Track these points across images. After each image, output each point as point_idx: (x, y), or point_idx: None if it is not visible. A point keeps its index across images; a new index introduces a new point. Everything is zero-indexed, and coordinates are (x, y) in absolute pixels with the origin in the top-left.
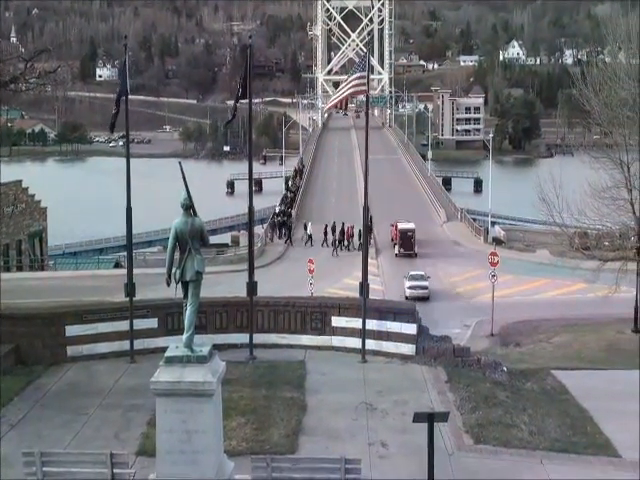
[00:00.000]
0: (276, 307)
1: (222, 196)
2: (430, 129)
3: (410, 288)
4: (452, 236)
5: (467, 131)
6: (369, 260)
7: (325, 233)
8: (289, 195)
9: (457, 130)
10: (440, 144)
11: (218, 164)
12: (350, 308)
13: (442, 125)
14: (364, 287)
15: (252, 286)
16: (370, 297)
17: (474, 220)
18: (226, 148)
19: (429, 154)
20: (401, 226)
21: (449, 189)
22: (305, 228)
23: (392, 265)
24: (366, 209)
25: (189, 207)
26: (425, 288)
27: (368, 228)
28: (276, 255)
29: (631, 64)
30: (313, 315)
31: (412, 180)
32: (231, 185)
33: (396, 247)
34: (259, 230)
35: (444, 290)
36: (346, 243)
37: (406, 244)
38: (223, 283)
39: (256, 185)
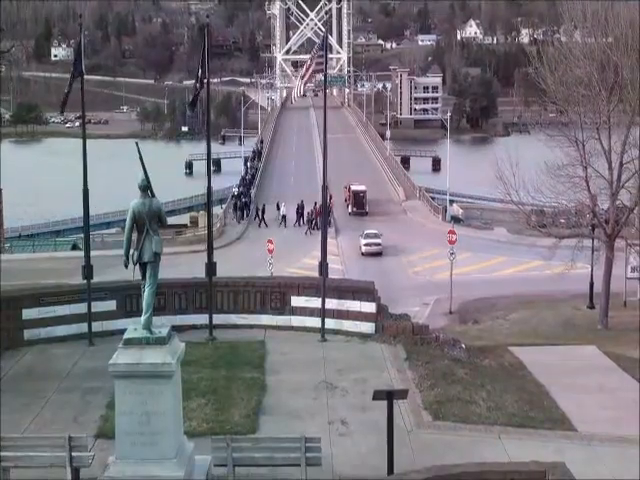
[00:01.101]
0: (235, 287)
1: (180, 177)
2: (388, 108)
3: (365, 245)
4: (410, 214)
5: (425, 110)
6: (328, 240)
7: (299, 213)
8: (247, 177)
9: (415, 109)
10: (399, 123)
11: (176, 144)
12: (309, 287)
13: (400, 104)
14: (323, 267)
15: (211, 267)
16: (329, 276)
17: (432, 199)
18: (184, 128)
19: (387, 133)
20: (354, 187)
21: (408, 168)
22: (278, 208)
23: (351, 245)
24: (325, 189)
25: (147, 188)
26: (379, 245)
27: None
28: (235, 235)
29: (586, 43)
30: (273, 295)
31: (371, 159)
32: (190, 166)
33: (349, 207)
34: (218, 211)
35: (402, 268)
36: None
37: (358, 203)
38: (182, 264)
39: (215, 165)
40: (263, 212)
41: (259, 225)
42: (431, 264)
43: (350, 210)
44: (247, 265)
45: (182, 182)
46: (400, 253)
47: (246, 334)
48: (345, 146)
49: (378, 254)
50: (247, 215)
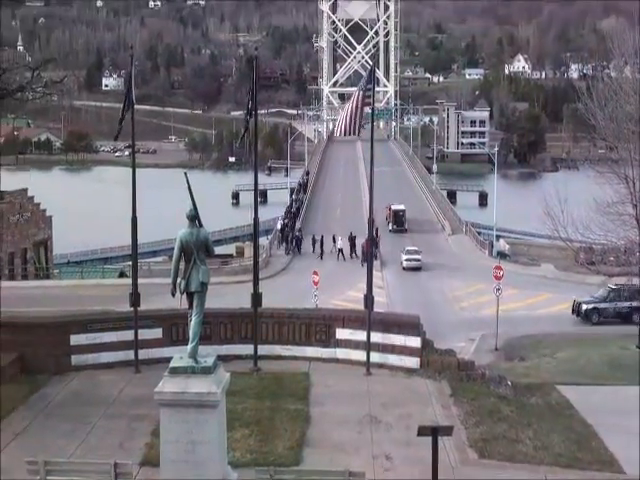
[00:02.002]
0: (280, 319)
1: (227, 207)
2: (435, 142)
3: (407, 260)
4: (456, 249)
5: (472, 144)
6: (374, 272)
7: (351, 245)
8: (292, 209)
9: (462, 143)
10: (445, 157)
11: (223, 175)
12: (354, 320)
13: (447, 138)
14: (368, 299)
15: (257, 297)
16: (375, 309)
17: (479, 233)
18: (231, 159)
19: (434, 167)
20: (394, 207)
21: (454, 202)
22: (334, 241)
23: (397, 278)
24: (371, 222)
25: (194, 218)
26: (418, 260)
27: (373, 240)
28: (280, 266)
29: (637, 78)
30: (317, 327)
31: (417, 192)
32: (236, 196)
33: (389, 224)
34: (264, 241)
35: (448, 303)
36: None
37: (398, 222)
38: (228, 294)
39: (261, 196)
40: (322, 244)
41: (321, 257)
42: (477, 299)
43: (390, 227)
44: (292, 296)
45: (229, 212)
46: (446, 287)
47: (290, 365)
48: (391, 179)
49: (418, 269)
50: (297, 248)
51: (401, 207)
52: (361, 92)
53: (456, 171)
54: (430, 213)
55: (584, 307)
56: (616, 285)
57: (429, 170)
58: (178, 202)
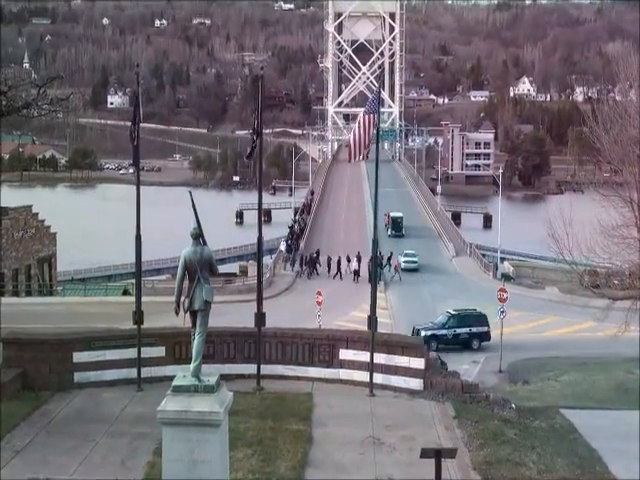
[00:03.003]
0: (284, 338)
1: (231, 226)
2: (440, 163)
3: (405, 262)
4: (461, 271)
5: (477, 166)
6: (378, 293)
7: (381, 265)
8: (295, 230)
9: (467, 165)
10: (450, 178)
11: (228, 194)
12: (358, 341)
13: (452, 160)
14: (372, 320)
15: (260, 317)
16: (378, 330)
17: (483, 255)
18: (236, 178)
19: (438, 188)
20: (392, 214)
21: (458, 224)
22: (348, 261)
23: (401, 299)
24: (375, 243)
25: (198, 236)
26: (415, 262)
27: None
28: (284, 286)
29: None
30: (321, 347)
31: (421, 213)
32: (240, 215)
33: (388, 230)
34: (268, 261)
35: None
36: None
37: (396, 227)
38: (231, 313)
39: (265, 215)
40: (339, 265)
41: (340, 277)
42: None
43: (389, 233)
44: (296, 316)
45: (233, 231)
46: (450, 309)
47: (293, 385)
48: (396, 200)
49: (415, 270)
50: (314, 269)
51: (399, 214)
52: (368, 116)
53: (460, 193)
54: (434, 234)
55: (422, 334)
56: (455, 311)
57: (433, 191)
58: (182, 220)
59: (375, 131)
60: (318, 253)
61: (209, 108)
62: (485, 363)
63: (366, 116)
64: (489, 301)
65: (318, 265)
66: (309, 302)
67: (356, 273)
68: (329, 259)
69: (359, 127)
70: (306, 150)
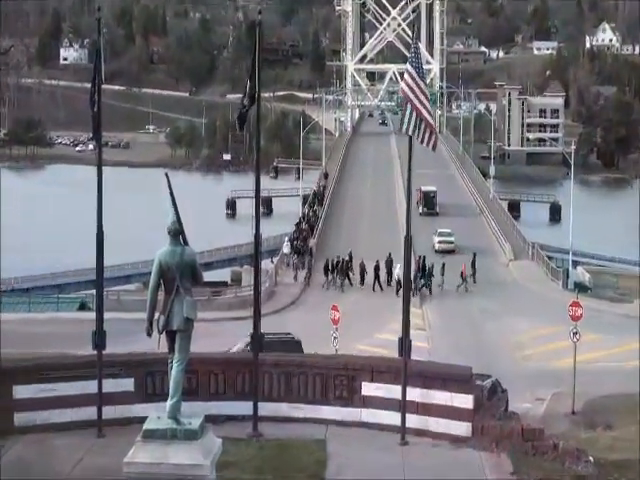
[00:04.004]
0: (289, 368)
1: (221, 219)
2: (493, 137)
3: (439, 242)
4: (520, 279)
5: (541, 141)
6: (413, 309)
7: (388, 271)
8: (302, 225)
9: (528, 139)
10: (506, 157)
11: (216, 177)
12: (386, 372)
13: (509, 132)
14: (404, 344)
15: (258, 339)
16: (413, 357)
17: (550, 259)
18: (226, 157)
19: (491, 170)
20: (424, 188)
21: (517, 217)
22: (390, 269)
23: (442, 316)
24: (408, 241)
25: (178, 233)
26: (451, 243)
27: (419, 267)
28: (289, 299)
29: None
30: (337, 380)
31: (468, 203)
32: (232, 205)
33: (420, 207)
34: (267, 265)
35: (509, 350)
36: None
37: (429, 203)
38: (220, 334)
39: (265, 206)
40: (377, 271)
41: (381, 288)
42: (546, 346)
43: (420, 210)
44: (304, 338)
45: (222, 226)
46: (506, 329)
47: (301, 430)
48: (436, 186)
49: (451, 252)
50: (346, 277)
51: (432, 188)
52: (417, 84)
53: (520, 175)
54: (484, 232)
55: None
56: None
57: (484, 174)
58: (157, 212)
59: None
60: (351, 257)
61: (192, 65)
62: (553, 401)
63: (415, 83)
64: (558, 318)
65: (351, 273)
66: (321, 319)
67: (399, 284)
68: (362, 265)
69: (414, 101)
70: (318, 119)
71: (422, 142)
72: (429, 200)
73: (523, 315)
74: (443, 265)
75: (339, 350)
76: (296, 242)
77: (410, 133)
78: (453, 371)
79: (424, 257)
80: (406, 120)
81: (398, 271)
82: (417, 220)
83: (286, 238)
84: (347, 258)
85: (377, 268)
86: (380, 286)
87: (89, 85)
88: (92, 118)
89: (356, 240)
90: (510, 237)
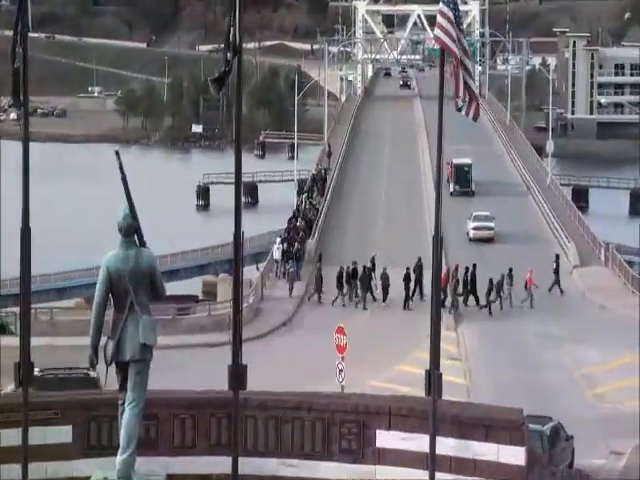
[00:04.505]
0: (279, 411)
1: (190, 212)
2: (551, 102)
3: (474, 229)
4: (589, 291)
5: (618, 106)
6: (445, 332)
7: (417, 281)
8: (299, 222)
9: (600, 104)
10: (569, 128)
11: (183, 155)
12: (409, 416)
13: (573, 95)
14: (433, 379)
15: (238, 373)
16: (445, 397)
17: (630, 264)
18: (196, 128)
19: (549, 145)
20: (456, 161)
21: (584, 208)
22: (420, 279)
23: (483, 339)
24: (438, 242)
25: (132, 231)
26: (491, 229)
27: (449, 276)
28: (280, 318)
29: None
30: (343, 427)
31: (518, 191)
32: (204, 193)
33: (450, 185)
34: (252, 273)
35: (574, 387)
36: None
37: (462, 180)
38: (189, 366)
39: (248, 194)
40: (407, 282)
41: (406, 305)
42: (624, 382)
43: (452, 189)
44: (299, 372)
45: (191, 222)
46: (569, 360)
47: None
48: (476, 168)
49: (489, 240)
50: (369, 291)
51: (466, 160)
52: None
53: (589, 153)
54: (540, 227)
55: None
56: None
57: (539, 151)
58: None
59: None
60: (374, 263)
61: (150, 6)
62: (634, 455)
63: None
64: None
65: (374, 285)
66: (323, 346)
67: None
68: (385, 276)
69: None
70: (318, 79)
71: (459, 109)
72: (462, 176)
73: (593, 340)
74: (510, 272)
75: (346, 387)
76: (289, 242)
77: (460, 106)
78: (499, 415)
79: (474, 267)
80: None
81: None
82: (447, 202)
83: (277, 239)
84: (369, 265)
85: (408, 278)
86: (408, 303)
87: (11, 33)
88: (12, 76)
89: (370, 241)
90: (574, 235)
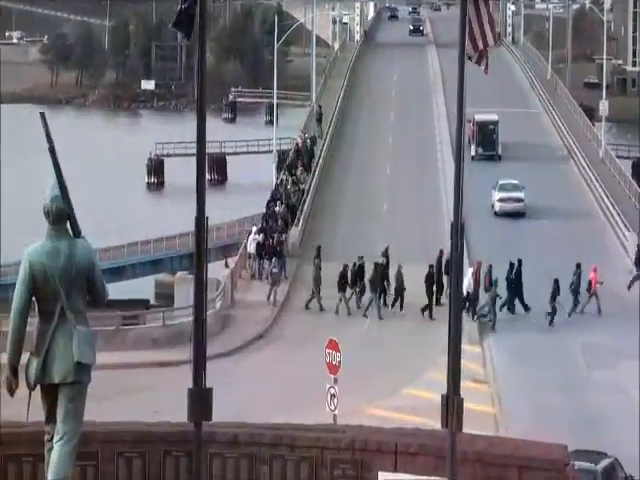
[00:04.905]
0: (254, 448)
1: (138, 192)
2: (605, 50)
3: (500, 201)
4: None
5: None
6: (467, 347)
7: (437, 281)
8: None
9: None
10: (629, 85)
11: (130, 120)
12: (419, 454)
13: (634, 41)
14: (451, 407)
15: (201, 400)
16: (466, 430)
17: None
18: (147, 85)
19: (603, 106)
20: (480, 117)
21: None
22: (440, 279)
23: (516, 358)
24: (459, 230)
25: (64, 217)
26: (520, 200)
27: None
28: (256, 329)
29: None
30: (337, 468)
31: (562, 166)
32: (157, 168)
33: (472, 147)
34: (220, 271)
35: (633, 417)
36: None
37: (486, 141)
38: (138, 391)
39: (214, 169)
40: (429, 283)
41: (428, 311)
42: None
43: (473, 152)
44: (280, 398)
45: (141, 205)
46: (629, 383)
47: None
48: (509, 136)
49: (519, 214)
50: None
51: (492, 117)
52: None
53: None
54: (590, 208)
55: None
56: None
57: (591, 114)
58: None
59: None
60: (388, 259)
61: None
62: None
63: None
64: None
65: (387, 286)
66: (310, 365)
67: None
68: (399, 276)
69: None
70: (304, 21)
71: (470, 58)
72: (487, 136)
73: None
74: (578, 267)
75: (340, 418)
76: (267, 232)
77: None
78: (536, 453)
79: (519, 264)
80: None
81: (468, 282)
82: (468, 167)
83: (252, 228)
84: (381, 260)
85: (431, 278)
86: (431, 306)
87: None
88: None
89: (371, 230)
90: (635, 222)
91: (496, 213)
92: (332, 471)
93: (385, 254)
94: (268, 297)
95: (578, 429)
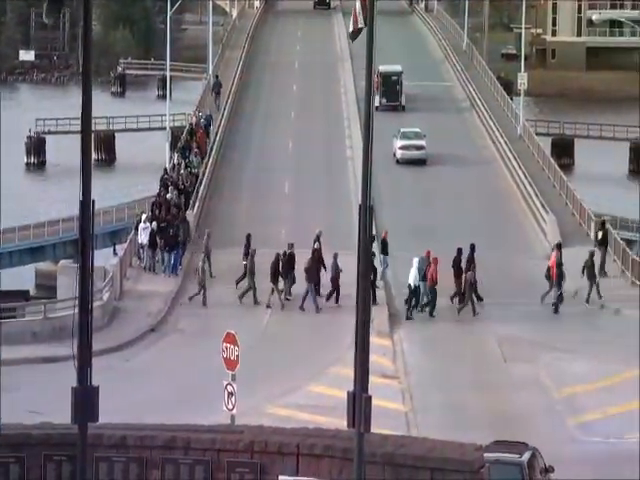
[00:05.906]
0: (144, 451)
1: (16, 172)
2: (524, 18)
3: (402, 148)
4: (572, 282)
5: (615, 25)
6: (375, 339)
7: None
8: (170, 189)
9: (591, 22)
10: (549, 56)
11: (7, 94)
12: (324, 456)
13: (554, 9)
14: (359, 405)
15: (86, 399)
16: (374, 429)
17: (629, 244)
18: (26, 55)
19: (521, 80)
20: (384, 68)
21: (569, 166)
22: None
23: (430, 351)
24: (367, 211)
25: None
26: (421, 148)
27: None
28: (148, 321)
29: None
30: (234, 472)
31: (477, 143)
32: (37, 146)
33: (377, 97)
34: (108, 259)
35: (554, 413)
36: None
37: (390, 92)
38: (15, 390)
39: (101, 148)
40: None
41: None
42: (622, 406)
43: (378, 102)
44: (173, 396)
45: (19, 186)
46: (546, 375)
47: None
48: (418, 111)
49: (420, 162)
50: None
51: (396, 68)
52: None
53: (575, 90)
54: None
55: None
56: None
57: (509, 88)
58: None
59: None
60: (320, 243)
61: None
62: None
63: None
64: None
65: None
66: (206, 360)
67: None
68: (335, 266)
69: None
70: None
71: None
72: (390, 86)
73: (577, 348)
74: (591, 255)
75: (239, 417)
76: (160, 216)
77: None
78: (450, 454)
79: (472, 249)
80: None
81: (413, 275)
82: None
83: (143, 215)
84: (316, 245)
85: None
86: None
87: None
88: None
89: (271, 210)
90: (554, 204)
91: (398, 161)
92: (229, 475)
93: (318, 240)
94: (190, 298)
95: (494, 429)
